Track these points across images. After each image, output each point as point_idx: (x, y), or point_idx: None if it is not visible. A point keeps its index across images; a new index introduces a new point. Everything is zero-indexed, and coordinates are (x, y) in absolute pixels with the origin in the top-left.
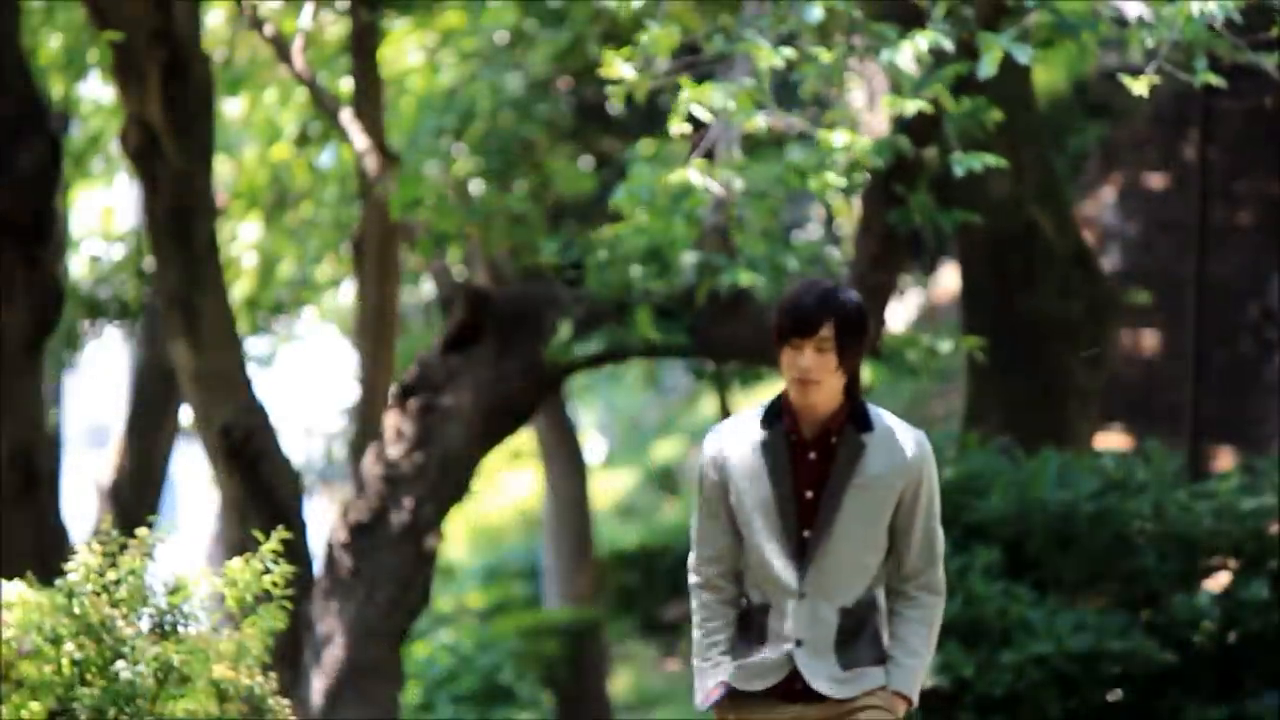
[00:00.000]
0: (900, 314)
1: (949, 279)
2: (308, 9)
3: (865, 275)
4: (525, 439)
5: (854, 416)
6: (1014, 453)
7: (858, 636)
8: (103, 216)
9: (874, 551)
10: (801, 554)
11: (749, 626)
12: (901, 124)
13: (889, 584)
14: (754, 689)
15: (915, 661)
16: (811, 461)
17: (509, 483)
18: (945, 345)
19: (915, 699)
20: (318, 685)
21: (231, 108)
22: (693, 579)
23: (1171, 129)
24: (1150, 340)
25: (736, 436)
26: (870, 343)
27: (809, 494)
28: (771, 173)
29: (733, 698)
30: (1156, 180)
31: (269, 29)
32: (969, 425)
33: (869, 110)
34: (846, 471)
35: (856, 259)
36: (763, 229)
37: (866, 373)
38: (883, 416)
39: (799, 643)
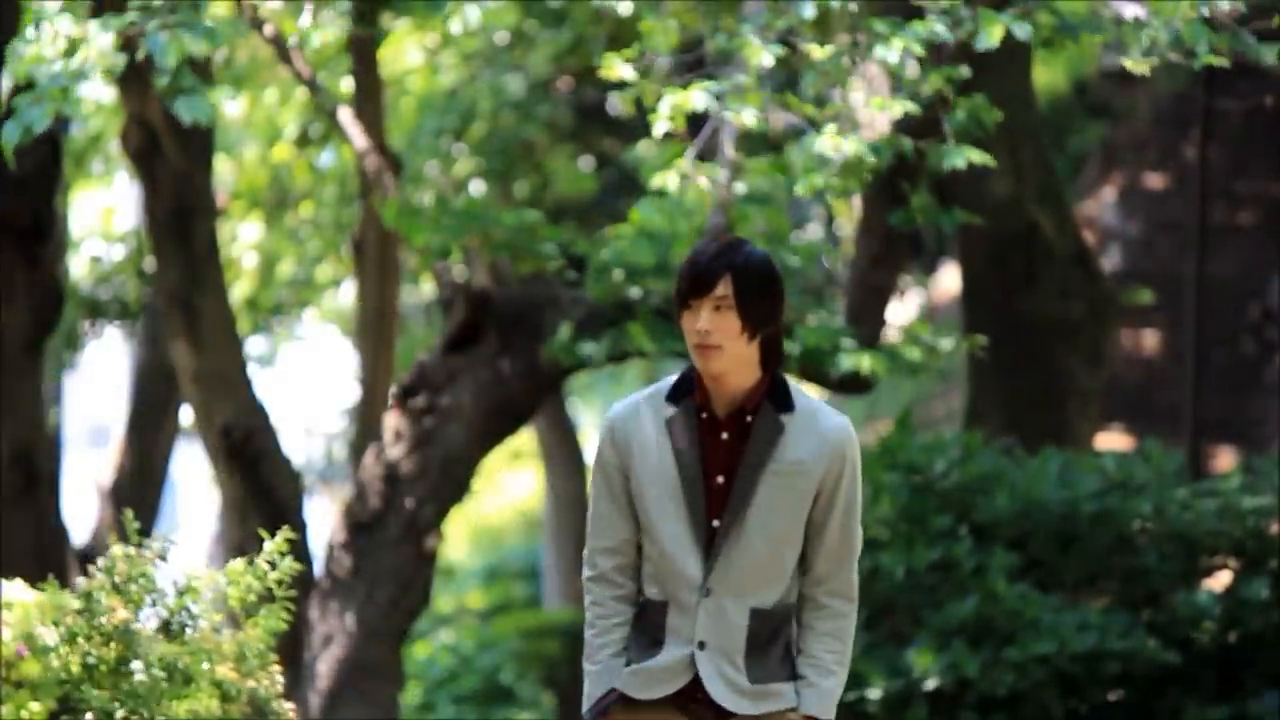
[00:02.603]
0: (900, 314)
1: (949, 279)
2: (308, 9)
3: (865, 275)
4: (525, 439)
5: (773, 394)
6: (1015, 453)
7: (770, 646)
8: (103, 216)
9: (791, 547)
10: (709, 546)
11: (646, 626)
12: (903, 124)
13: (799, 588)
14: (649, 696)
15: (830, 682)
16: (723, 442)
17: (509, 483)
18: (946, 343)
19: None
20: (318, 685)
21: (231, 108)
22: (587, 572)
23: (1171, 129)
24: (1150, 340)
25: (640, 412)
26: (782, 304)
27: (719, 479)
28: (777, 172)
29: (626, 705)
30: (1156, 180)
31: (269, 29)
32: (970, 425)
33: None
34: (762, 455)
35: (856, 259)
36: (765, 230)
37: (867, 363)
38: (806, 397)
39: (701, 645)
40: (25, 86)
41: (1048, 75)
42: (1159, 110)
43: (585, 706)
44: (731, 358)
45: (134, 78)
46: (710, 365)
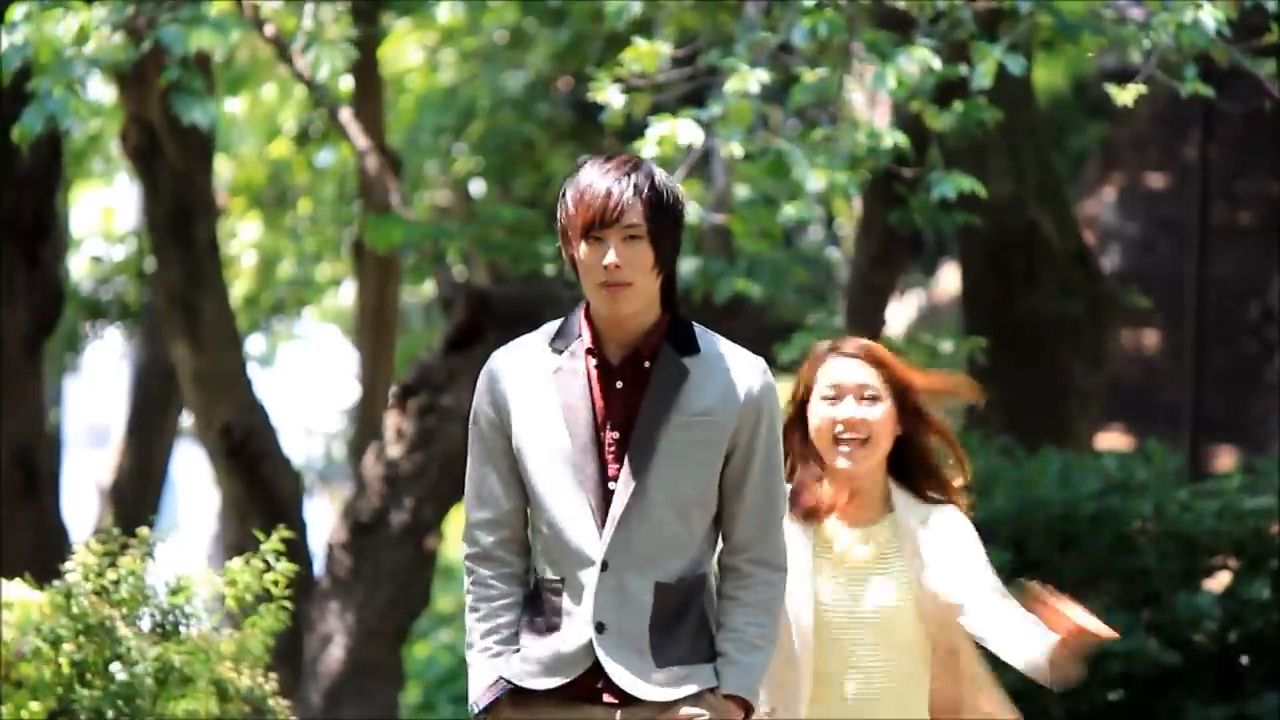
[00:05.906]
0: (900, 314)
1: (949, 279)
2: (308, 9)
3: (865, 275)
4: None
5: (674, 335)
6: (1015, 452)
7: (679, 624)
8: (103, 216)
9: (700, 511)
10: (605, 513)
11: (539, 608)
12: (901, 124)
13: (718, 557)
14: (543, 686)
15: (754, 657)
16: (618, 392)
17: None
18: (947, 345)
19: (755, 703)
20: (318, 685)
21: (231, 106)
22: (466, 549)
23: (1171, 129)
24: (1150, 340)
25: (521, 363)
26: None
27: (615, 434)
28: (773, 174)
29: (516, 698)
30: (1156, 180)
31: (269, 29)
32: (968, 425)
33: (870, 108)
34: (663, 405)
35: (856, 259)
36: (763, 230)
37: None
38: (712, 338)
39: (600, 628)
40: (25, 76)
41: (1048, 75)
42: (1159, 110)
43: (470, 699)
44: (641, 295)
45: (134, 76)
46: (622, 305)
